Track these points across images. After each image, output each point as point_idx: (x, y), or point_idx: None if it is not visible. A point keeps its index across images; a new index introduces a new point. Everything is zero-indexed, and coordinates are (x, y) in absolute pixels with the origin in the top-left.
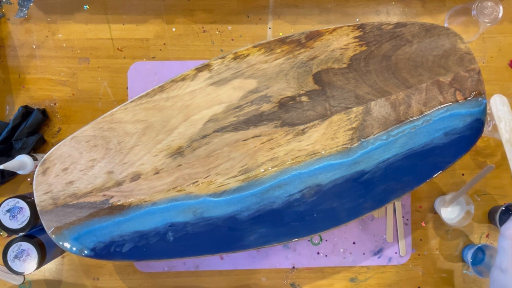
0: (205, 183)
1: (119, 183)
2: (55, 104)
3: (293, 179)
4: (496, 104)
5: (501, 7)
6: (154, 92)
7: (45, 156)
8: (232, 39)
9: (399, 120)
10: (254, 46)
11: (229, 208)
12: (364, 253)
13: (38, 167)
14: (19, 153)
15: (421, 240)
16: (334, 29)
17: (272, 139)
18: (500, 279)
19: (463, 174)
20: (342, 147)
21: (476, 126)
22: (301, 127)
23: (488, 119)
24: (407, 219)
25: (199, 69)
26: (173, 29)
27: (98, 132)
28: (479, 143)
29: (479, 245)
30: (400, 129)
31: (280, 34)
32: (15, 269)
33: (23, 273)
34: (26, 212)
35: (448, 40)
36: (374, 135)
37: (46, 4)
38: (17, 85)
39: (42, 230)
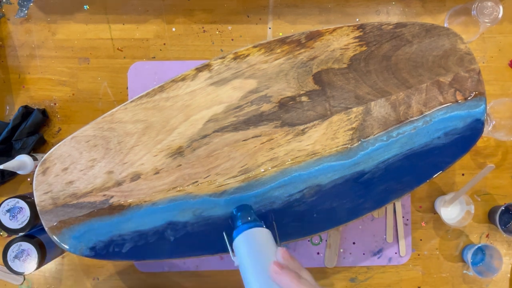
0: (205, 183)
1: (119, 183)
2: (55, 104)
3: (293, 179)
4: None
5: (501, 7)
6: (154, 92)
7: (45, 156)
8: (232, 39)
9: (399, 121)
10: (254, 46)
11: (229, 208)
12: (364, 253)
13: (38, 167)
14: (19, 153)
15: (421, 240)
16: (334, 29)
17: (272, 139)
18: None
19: (463, 174)
20: (342, 147)
21: (476, 126)
22: (301, 127)
23: (488, 119)
24: (407, 219)
25: (199, 69)
26: (173, 29)
27: (98, 132)
28: (479, 143)
29: (479, 245)
30: (400, 129)
31: (280, 34)
32: (15, 269)
33: (23, 273)
34: (26, 212)
35: (448, 40)
36: (374, 135)
37: (46, 4)
38: (17, 85)
39: (42, 230)
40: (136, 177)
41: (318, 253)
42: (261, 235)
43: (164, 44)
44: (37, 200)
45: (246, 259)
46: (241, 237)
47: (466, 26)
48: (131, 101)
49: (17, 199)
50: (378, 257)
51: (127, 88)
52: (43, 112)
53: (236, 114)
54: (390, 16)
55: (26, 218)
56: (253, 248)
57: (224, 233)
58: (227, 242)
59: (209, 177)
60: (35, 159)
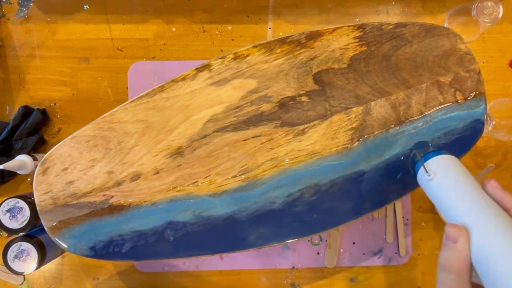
0: (205, 183)
1: (119, 183)
2: (55, 104)
3: (293, 179)
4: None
5: (501, 7)
6: (154, 92)
7: (45, 156)
8: (232, 39)
9: (399, 121)
10: (254, 46)
11: (229, 208)
12: (364, 253)
13: (38, 167)
14: (19, 153)
15: (421, 240)
16: (334, 29)
17: (272, 139)
18: None
19: None
20: (342, 147)
21: (476, 126)
22: (301, 127)
23: (488, 119)
24: (407, 219)
25: (199, 69)
26: (173, 29)
27: (98, 132)
28: (479, 143)
29: None
30: (400, 129)
31: (280, 34)
32: (15, 269)
33: (23, 273)
34: (26, 212)
35: (448, 40)
36: (374, 135)
37: (46, 4)
38: (17, 85)
39: (42, 230)
40: (136, 177)
41: (318, 253)
42: (455, 160)
43: (164, 44)
44: (37, 200)
45: (451, 178)
46: (440, 158)
47: (466, 26)
48: (131, 101)
49: (17, 199)
50: (378, 257)
51: (127, 88)
52: (43, 112)
53: (236, 114)
54: (390, 16)
55: (26, 218)
56: (455, 169)
57: (416, 152)
58: (421, 160)
59: (209, 177)
60: (35, 159)
